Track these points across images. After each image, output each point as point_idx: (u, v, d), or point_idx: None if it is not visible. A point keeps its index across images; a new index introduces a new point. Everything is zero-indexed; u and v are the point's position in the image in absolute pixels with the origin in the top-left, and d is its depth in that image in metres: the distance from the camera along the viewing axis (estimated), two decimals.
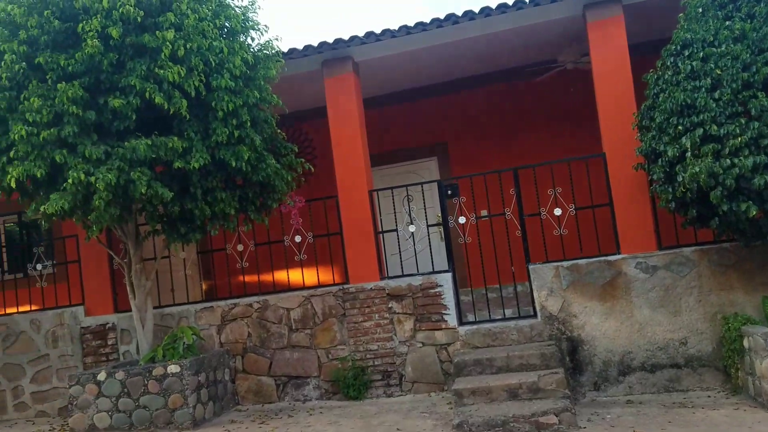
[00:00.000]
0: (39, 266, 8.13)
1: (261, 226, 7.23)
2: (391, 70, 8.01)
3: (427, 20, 6.98)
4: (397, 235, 7.45)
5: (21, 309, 8.42)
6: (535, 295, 6.57)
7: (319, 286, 7.39)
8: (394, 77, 8.39)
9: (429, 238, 7.34)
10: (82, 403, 6.62)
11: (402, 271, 7.47)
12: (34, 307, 8.27)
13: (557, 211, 6.68)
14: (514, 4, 6.77)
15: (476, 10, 6.95)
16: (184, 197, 6.32)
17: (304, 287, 7.48)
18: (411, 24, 7.05)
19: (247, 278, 8.01)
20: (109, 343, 7.79)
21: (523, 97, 8.89)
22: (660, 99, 5.60)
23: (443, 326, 6.87)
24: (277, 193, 6.89)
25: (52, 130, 5.53)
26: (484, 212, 7.24)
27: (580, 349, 6.40)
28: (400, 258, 7.50)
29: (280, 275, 7.90)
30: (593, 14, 6.71)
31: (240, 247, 7.66)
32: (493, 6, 6.84)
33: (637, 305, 6.30)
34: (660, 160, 5.62)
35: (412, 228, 7.25)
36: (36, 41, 5.55)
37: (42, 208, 5.77)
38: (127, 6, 5.38)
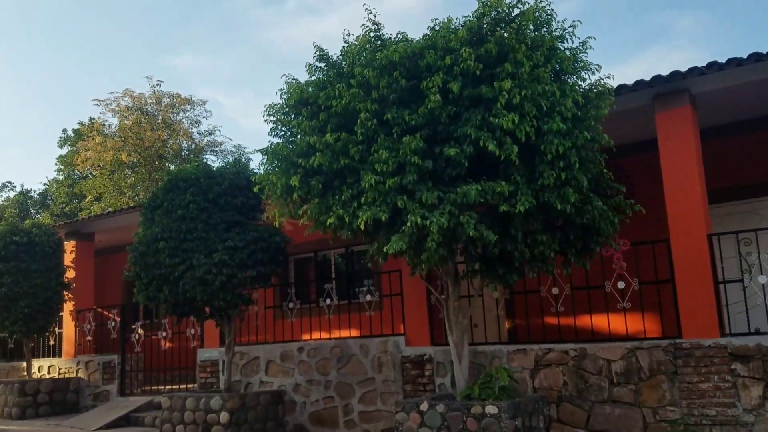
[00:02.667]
0: (368, 296, 9.02)
1: (578, 270, 6.95)
2: (733, 101, 7.15)
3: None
4: (743, 285, 6.49)
5: (351, 334, 9.43)
6: None
7: (645, 338, 6.79)
8: (736, 108, 7.48)
9: None
10: (407, 429, 7.05)
11: (748, 327, 6.48)
12: (358, 333, 9.21)
13: None
14: None
15: None
16: (504, 239, 6.38)
17: (626, 337, 6.96)
18: (762, 51, 6.18)
19: (562, 322, 7.76)
20: (426, 374, 8.24)
21: None
22: None
23: None
24: (601, 236, 6.56)
25: (395, 178, 6.06)
26: None
27: None
28: (747, 313, 6.52)
29: (599, 322, 7.48)
30: None
31: (555, 291, 7.47)
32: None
33: None
34: None
35: (762, 279, 6.25)
36: (385, 99, 6.16)
37: (384, 249, 6.34)
38: (468, 61, 5.67)
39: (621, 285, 7.00)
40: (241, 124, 48.09)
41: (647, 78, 6.84)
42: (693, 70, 6.52)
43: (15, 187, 30.11)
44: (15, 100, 47.92)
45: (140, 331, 11.62)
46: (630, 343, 6.77)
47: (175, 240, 8.11)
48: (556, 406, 7.14)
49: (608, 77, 6.25)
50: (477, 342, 8.09)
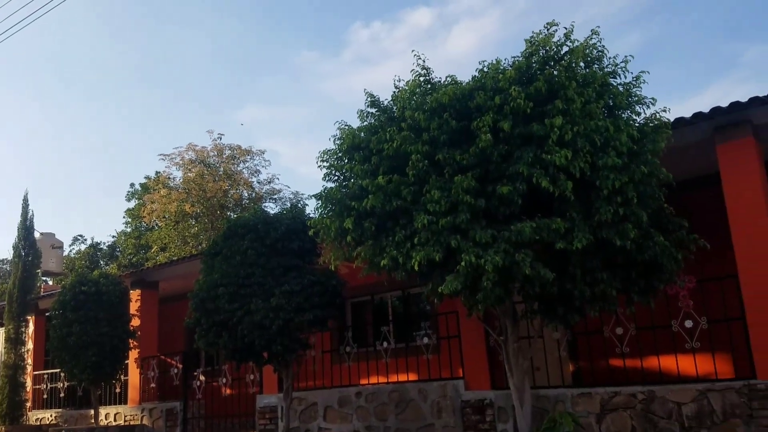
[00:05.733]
0: (425, 339, 8.91)
1: (642, 309, 6.70)
2: None
3: None
4: None
5: (408, 377, 9.30)
6: None
7: (717, 379, 6.43)
8: None
9: None
10: None
11: None
12: (415, 377, 9.06)
13: None
14: None
15: None
16: (563, 277, 6.24)
17: (697, 379, 6.61)
18: None
19: (628, 364, 7.43)
20: (487, 419, 8.00)
21: None
22: None
23: None
24: (664, 273, 6.33)
25: (448, 218, 6.06)
26: None
27: None
28: None
29: (667, 363, 7.14)
30: None
31: (619, 330, 7.20)
32: None
33: None
34: None
35: None
36: (436, 140, 6.24)
37: (439, 289, 6.29)
38: (518, 100, 5.71)
39: (689, 324, 6.69)
40: (299, 172, 49.36)
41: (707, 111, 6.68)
42: (754, 101, 6.33)
43: (86, 240, 31.60)
44: (88, 157, 50.80)
45: (201, 377, 11.80)
46: (701, 385, 6.42)
47: (234, 285, 8.28)
48: None
49: (664, 110, 6.16)
50: (539, 385, 7.84)
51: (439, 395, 8.46)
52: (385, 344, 9.21)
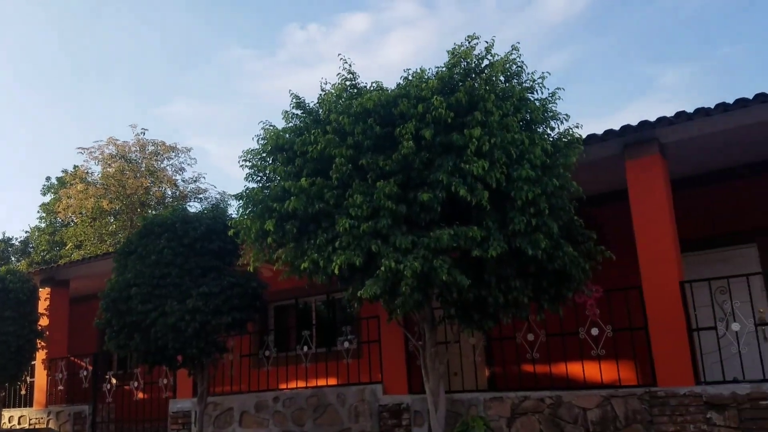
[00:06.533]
0: (346, 343, 8.91)
1: (553, 317, 6.96)
2: (703, 150, 7.35)
3: (741, 95, 6.25)
4: (716, 333, 6.52)
5: (327, 382, 9.27)
6: None
7: (620, 386, 6.76)
8: (705, 157, 7.67)
9: (757, 339, 6.27)
10: None
11: (723, 376, 6.46)
12: (336, 381, 9.05)
13: None
14: None
15: None
16: (479, 284, 6.39)
17: (602, 385, 6.92)
18: (729, 101, 6.37)
19: (538, 369, 7.70)
20: (404, 423, 8.08)
21: None
22: None
23: None
24: (572, 282, 6.59)
25: (370, 222, 6.09)
26: None
27: None
28: (721, 361, 6.51)
29: (574, 369, 7.45)
30: None
31: (530, 337, 7.45)
32: None
33: None
34: None
35: (735, 326, 6.28)
36: (360, 145, 6.26)
37: (358, 293, 6.32)
38: (440, 109, 5.82)
39: (595, 332, 7.00)
40: (229, 172, 48.34)
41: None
42: (661, 120, 6.70)
43: None
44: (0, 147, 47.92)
45: (113, 380, 11.35)
46: (605, 391, 6.72)
47: (148, 286, 8.01)
48: None
49: (577, 126, 6.43)
50: (455, 390, 7.99)
51: (358, 399, 8.47)
52: (305, 348, 9.14)
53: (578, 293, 6.91)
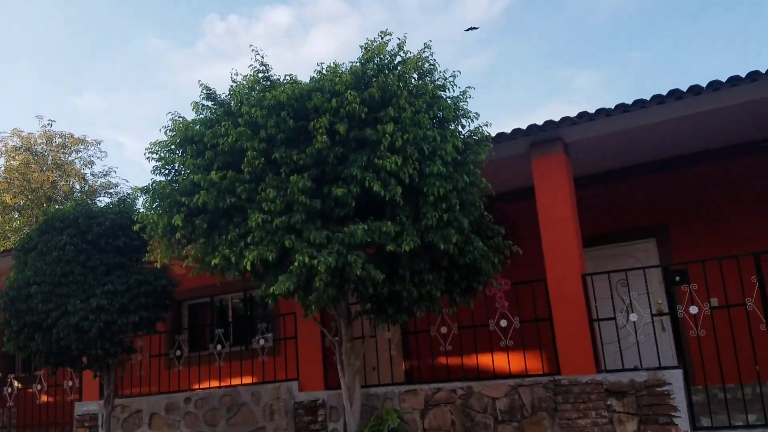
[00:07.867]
0: (261, 341, 8.78)
1: (465, 309, 7.13)
2: (604, 150, 7.70)
3: (647, 97, 6.62)
4: (616, 323, 6.87)
5: (243, 381, 9.11)
6: None
7: (527, 375, 7.01)
8: (607, 156, 8.04)
9: (654, 329, 6.66)
10: None
11: (622, 364, 6.82)
12: (252, 380, 8.90)
13: None
14: (748, 76, 6.17)
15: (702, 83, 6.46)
16: (393, 279, 6.47)
17: (510, 375, 7.16)
18: (629, 102, 6.72)
19: (451, 361, 7.87)
20: (319, 419, 8.06)
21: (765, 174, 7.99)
22: None
23: (673, 430, 6.07)
24: (483, 275, 6.78)
25: (283, 217, 6.02)
26: (714, 301, 6.45)
27: None
28: (620, 350, 6.88)
29: (485, 360, 7.66)
30: None
31: (443, 330, 7.60)
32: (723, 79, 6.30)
33: None
34: None
35: (633, 317, 6.65)
36: (273, 139, 6.17)
37: (271, 289, 6.23)
38: (354, 104, 5.82)
39: (504, 323, 7.23)
40: (146, 166, 46.52)
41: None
42: (565, 120, 6.99)
43: None
44: None
45: (16, 383, 10.70)
46: (513, 381, 6.96)
47: (49, 284, 7.59)
48: None
49: (486, 125, 6.60)
50: (372, 384, 8.04)
51: (273, 397, 8.37)
52: (219, 347, 8.93)
53: (488, 286, 7.11)
